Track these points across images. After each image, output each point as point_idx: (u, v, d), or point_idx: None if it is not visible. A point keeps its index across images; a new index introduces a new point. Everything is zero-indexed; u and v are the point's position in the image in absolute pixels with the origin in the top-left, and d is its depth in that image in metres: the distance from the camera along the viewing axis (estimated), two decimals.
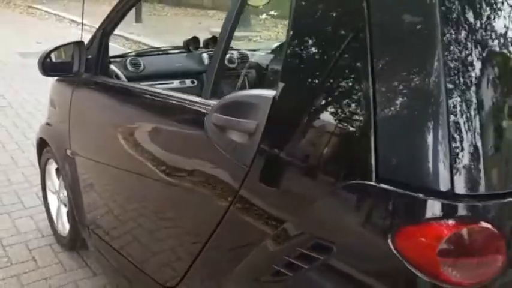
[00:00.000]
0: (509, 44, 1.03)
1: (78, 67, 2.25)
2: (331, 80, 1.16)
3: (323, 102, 1.18)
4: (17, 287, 2.56)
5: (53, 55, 2.30)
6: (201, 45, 2.94)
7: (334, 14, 1.21)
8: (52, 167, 2.89)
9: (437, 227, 0.96)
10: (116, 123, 2.12)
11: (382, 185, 1.02)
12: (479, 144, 0.97)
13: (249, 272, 1.37)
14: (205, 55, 2.82)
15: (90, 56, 2.28)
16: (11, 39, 9.71)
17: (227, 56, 2.72)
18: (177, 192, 1.73)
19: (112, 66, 2.43)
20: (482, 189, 0.96)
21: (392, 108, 1.04)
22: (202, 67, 2.69)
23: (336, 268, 1.12)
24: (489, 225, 0.96)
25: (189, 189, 1.64)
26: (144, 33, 10.47)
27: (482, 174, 0.97)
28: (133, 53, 2.80)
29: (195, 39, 2.87)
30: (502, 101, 1.01)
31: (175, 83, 2.53)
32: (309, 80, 1.22)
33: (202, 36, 3.08)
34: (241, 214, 1.40)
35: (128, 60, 2.56)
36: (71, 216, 2.68)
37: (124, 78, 2.41)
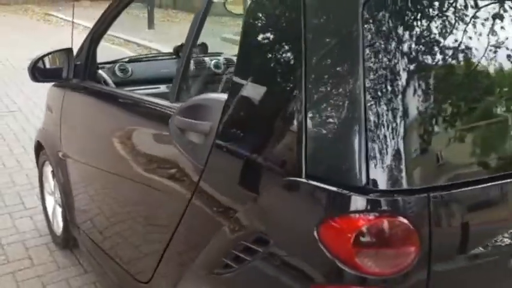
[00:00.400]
0: (425, 52, 1.10)
1: (67, 73, 2.37)
2: (270, 85, 1.25)
3: (263, 105, 1.26)
4: (12, 284, 2.68)
5: (46, 60, 2.42)
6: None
7: (275, 27, 1.30)
8: (48, 169, 3.01)
9: (353, 220, 1.04)
10: (99, 127, 2.23)
11: (310, 181, 1.09)
12: (395, 143, 1.05)
13: (204, 265, 1.46)
14: (192, 61, 2.91)
15: (79, 62, 2.39)
16: (26, 46, 9.96)
17: (213, 61, 2.83)
18: (150, 192, 1.83)
19: (101, 72, 2.54)
20: (398, 185, 1.04)
21: (320, 112, 1.12)
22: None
23: (273, 260, 1.20)
24: (402, 219, 1.03)
25: (160, 190, 1.74)
26: (156, 39, 10.63)
27: (398, 171, 1.04)
28: (126, 59, 2.90)
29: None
30: (420, 104, 1.09)
31: (162, 88, 2.62)
32: (252, 84, 1.30)
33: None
34: (198, 211, 1.49)
35: (116, 66, 2.67)
36: (63, 216, 2.80)
37: (112, 84, 2.52)
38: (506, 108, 1.18)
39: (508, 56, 1.17)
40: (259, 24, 1.36)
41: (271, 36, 1.30)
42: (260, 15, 1.36)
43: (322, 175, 1.09)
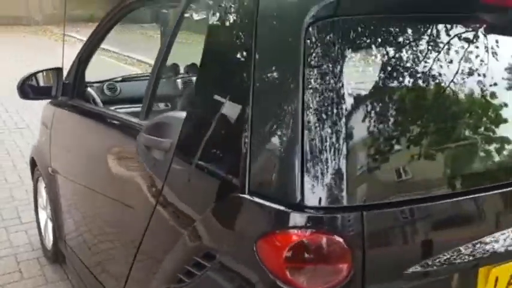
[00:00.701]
0: (362, 76, 1.16)
1: (56, 91, 2.44)
2: (222, 105, 1.29)
3: (215, 123, 1.30)
4: None
5: (40, 78, 2.51)
6: (182, 71, 3.12)
7: (228, 49, 1.35)
8: (41, 184, 3.08)
9: (286, 236, 1.06)
10: (82, 143, 2.29)
11: (253, 198, 1.12)
12: (331, 163, 1.08)
13: (163, 281, 1.48)
14: (179, 81, 2.98)
15: (67, 82, 2.47)
16: (41, 65, 10.21)
17: (188, 79, 2.92)
18: (124, 209, 1.88)
19: (90, 90, 2.62)
20: (332, 202, 1.06)
21: (264, 131, 1.15)
22: (176, 92, 2.85)
23: (219, 275, 1.23)
24: (332, 236, 1.05)
25: (131, 206, 1.80)
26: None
27: (332, 189, 1.07)
28: (118, 78, 2.98)
29: (175, 66, 3.05)
30: (356, 125, 1.11)
31: None
32: (206, 103, 1.35)
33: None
34: (158, 227, 1.53)
35: (105, 85, 2.75)
36: (53, 231, 2.85)
37: (100, 102, 2.58)
38: (438, 130, 1.21)
39: (434, 78, 1.21)
40: (216, 47, 1.41)
41: (224, 58, 1.35)
42: (217, 37, 1.41)
43: (264, 192, 1.12)
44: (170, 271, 1.43)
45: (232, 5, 1.32)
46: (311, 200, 1.06)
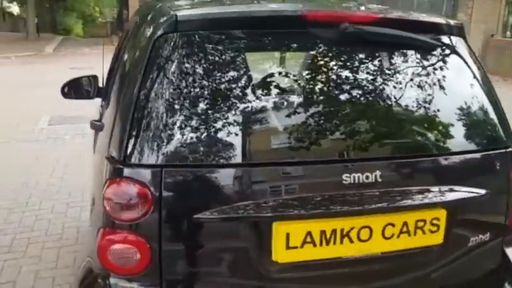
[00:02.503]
0: (185, 80, 1.56)
1: (92, 93, 2.90)
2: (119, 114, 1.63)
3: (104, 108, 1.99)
4: None
5: (80, 82, 2.96)
6: None
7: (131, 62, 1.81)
8: None
9: (113, 180, 1.49)
10: None
11: (111, 156, 1.56)
12: (146, 133, 1.48)
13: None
14: None
15: (102, 86, 2.86)
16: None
17: None
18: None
19: None
20: (144, 161, 1.46)
21: (119, 115, 1.60)
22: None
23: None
24: (142, 182, 1.45)
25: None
26: None
27: (144, 153, 1.47)
28: None
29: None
30: (171, 112, 1.51)
31: None
32: (113, 92, 1.89)
33: None
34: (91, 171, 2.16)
35: None
36: None
37: None
38: (237, 120, 1.55)
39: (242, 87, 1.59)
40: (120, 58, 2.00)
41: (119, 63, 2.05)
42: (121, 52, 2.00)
43: (114, 154, 1.53)
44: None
45: (131, 31, 1.92)
46: (133, 157, 1.47)
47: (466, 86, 1.81)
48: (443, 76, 1.78)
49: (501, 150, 1.73)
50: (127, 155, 1.47)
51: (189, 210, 1.46)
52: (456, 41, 1.83)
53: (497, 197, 1.74)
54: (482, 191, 1.65)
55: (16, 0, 29.25)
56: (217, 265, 1.55)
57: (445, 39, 1.82)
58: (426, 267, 1.68)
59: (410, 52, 1.78)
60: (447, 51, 1.81)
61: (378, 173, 1.53)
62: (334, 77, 1.68)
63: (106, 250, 1.46)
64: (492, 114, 1.77)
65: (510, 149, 1.74)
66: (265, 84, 1.62)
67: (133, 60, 1.69)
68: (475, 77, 1.82)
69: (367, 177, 1.51)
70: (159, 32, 1.59)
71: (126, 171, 1.46)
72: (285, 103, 1.61)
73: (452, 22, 1.86)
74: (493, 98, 1.80)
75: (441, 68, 1.80)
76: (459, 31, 1.85)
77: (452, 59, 1.82)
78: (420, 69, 1.77)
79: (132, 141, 1.48)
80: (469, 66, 1.82)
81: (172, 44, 1.57)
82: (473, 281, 1.81)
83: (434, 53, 1.79)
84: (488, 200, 1.68)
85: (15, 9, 30.34)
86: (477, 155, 1.73)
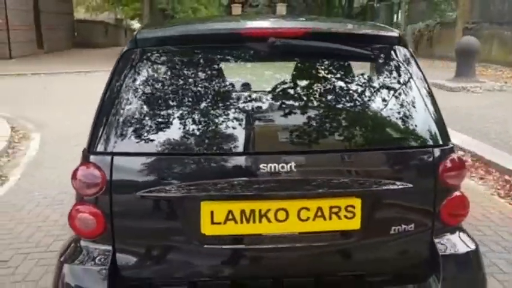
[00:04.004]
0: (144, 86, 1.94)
1: None
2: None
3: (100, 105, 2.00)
4: None
5: None
6: None
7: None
8: None
9: (82, 164, 1.87)
10: None
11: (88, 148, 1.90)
12: (106, 130, 1.83)
13: None
14: None
15: None
16: None
17: None
18: None
19: None
20: (101, 149, 1.83)
21: (98, 111, 1.91)
22: None
23: None
24: (94, 167, 1.82)
25: None
26: None
27: (102, 143, 1.83)
28: None
29: None
30: (125, 108, 1.88)
31: None
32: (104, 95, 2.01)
33: None
34: None
35: None
36: None
37: None
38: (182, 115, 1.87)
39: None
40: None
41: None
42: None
43: (89, 143, 1.88)
44: None
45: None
46: (96, 147, 1.84)
47: (395, 89, 1.98)
48: (369, 80, 2.04)
49: (428, 148, 1.88)
50: (91, 145, 1.84)
51: (133, 189, 1.79)
52: (389, 48, 2.02)
53: (423, 191, 1.88)
54: (404, 184, 1.82)
55: (136, 18, 33.99)
56: (157, 234, 1.85)
57: (376, 47, 2.04)
58: (347, 250, 1.90)
59: (336, 59, 2.06)
60: (378, 58, 2.04)
61: (292, 164, 1.77)
62: (264, 84, 2.02)
63: (74, 218, 1.86)
64: (423, 115, 1.92)
65: (439, 148, 1.88)
66: (206, 89, 1.94)
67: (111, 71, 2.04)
68: (407, 80, 1.97)
69: (282, 167, 1.76)
70: (125, 48, 2.01)
71: (91, 158, 1.84)
72: (219, 104, 1.91)
73: (383, 32, 2.08)
74: (428, 100, 1.95)
75: (373, 75, 2.07)
76: (392, 39, 2.03)
77: (383, 65, 2.03)
78: (350, 75, 2.07)
79: (95, 135, 1.85)
80: (400, 71, 1.99)
81: (133, 56, 1.96)
82: (399, 269, 1.97)
83: (363, 60, 2.10)
84: (413, 193, 1.85)
85: (137, 26, 33.84)
86: (401, 151, 1.90)
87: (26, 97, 10.55)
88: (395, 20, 22.63)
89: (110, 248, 1.85)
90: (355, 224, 1.82)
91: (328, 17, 30.20)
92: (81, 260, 1.86)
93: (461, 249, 1.95)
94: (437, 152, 1.89)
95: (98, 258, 1.85)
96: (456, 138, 6.47)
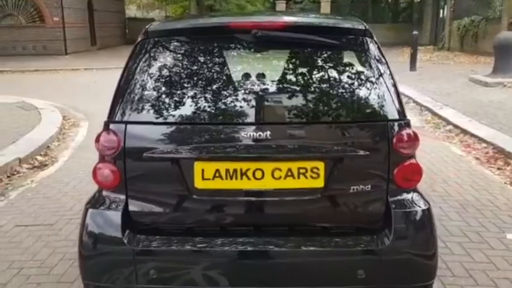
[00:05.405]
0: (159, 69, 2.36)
1: None
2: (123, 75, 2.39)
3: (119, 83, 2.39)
4: None
5: None
6: None
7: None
8: None
9: (102, 131, 2.28)
10: None
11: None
12: (125, 103, 2.27)
13: None
14: None
15: None
16: None
17: None
18: None
19: None
20: (118, 118, 2.26)
21: (118, 88, 2.35)
22: None
23: None
24: (113, 134, 2.24)
25: None
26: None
27: (118, 114, 2.26)
28: None
29: None
30: (140, 85, 2.30)
31: None
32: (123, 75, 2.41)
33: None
34: None
35: None
36: None
37: None
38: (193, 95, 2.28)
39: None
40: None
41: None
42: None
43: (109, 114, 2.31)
44: None
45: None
46: (114, 117, 2.26)
47: (360, 72, 2.31)
48: (337, 64, 2.39)
49: (384, 122, 2.21)
50: (110, 116, 2.26)
51: (141, 150, 2.19)
52: (356, 38, 2.37)
53: (379, 158, 2.20)
54: (362, 152, 2.16)
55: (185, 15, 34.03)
56: (160, 187, 2.24)
57: (345, 37, 2.40)
58: (313, 204, 2.22)
59: (309, 48, 2.42)
60: (346, 46, 2.41)
61: (268, 132, 2.14)
62: (251, 68, 2.39)
63: (97, 173, 2.26)
64: (383, 94, 2.24)
65: (394, 122, 2.21)
66: (202, 71, 2.34)
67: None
68: (371, 65, 2.31)
69: (259, 135, 2.13)
70: (139, 39, 2.40)
71: (111, 126, 2.24)
72: (209, 84, 2.30)
73: (351, 24, 2.41)
74: (389, 81, 2.27)
75: (338, 60, 2.42)
76: (359, 31, 2.37)
77: (351, 52, 2.40)
78: (319, 59, 2.41)
79: (114, 108, 2.26)
80: (365, 57, 2.32)
81: (145, 45, 2.36)
82: (358, 222, 2.30)
83: (333, 47, 2.40)
84: (370, 159, 2.18)
85: None
86: (360, 124, 2.23)
87: (78, 90, 11.37)
88: (441, 15, 22.27)
89: (123, 197, 2.25)
90: (319, 182, 2.16)
91: (374, 13, 29.81)
92: (102, 205, 2.28)
93: (412, 207, 2.25)
94: (392, 125, 2.20)
95: (114, 204, 2.26)
96: (482, 130, 6.59)
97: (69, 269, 3.17)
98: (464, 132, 6.70)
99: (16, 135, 6.41)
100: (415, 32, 13.79)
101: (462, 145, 6.28)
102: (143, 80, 2.29)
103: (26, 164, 5.43)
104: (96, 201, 2.31)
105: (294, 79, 2.37)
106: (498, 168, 5.30)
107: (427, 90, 9.84)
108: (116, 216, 2.22)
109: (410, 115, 2.43)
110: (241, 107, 2.23)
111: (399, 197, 2.24)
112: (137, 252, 2.18)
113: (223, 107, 2.24)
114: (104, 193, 2.31)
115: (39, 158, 5.73)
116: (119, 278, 2.21)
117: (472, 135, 6.49)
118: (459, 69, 13.26)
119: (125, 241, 2.18)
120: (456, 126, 7.00)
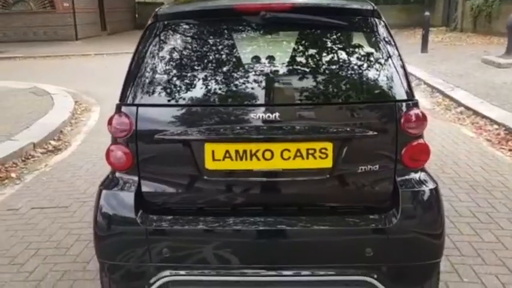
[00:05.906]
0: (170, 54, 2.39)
1: None
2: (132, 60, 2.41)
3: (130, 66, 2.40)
4: None
5: None
6: None
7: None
8: None
9: (114, 114, 2.31)
10: None
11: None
12: (137, 87, 2.29)
13: None
14: None
15: None
16: None
17: None
18: None
19: None
20: (129, 101, 2.28)
21: (129, 72, 2.37)
22: None
23: None
24: (125, 116, 2.26)
25: None
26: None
27: (134, 96, 2.29)
28: None
29: None
30: (149, 69, 2.33)
31: None
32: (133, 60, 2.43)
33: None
34: None
35: None
36: None
37: None
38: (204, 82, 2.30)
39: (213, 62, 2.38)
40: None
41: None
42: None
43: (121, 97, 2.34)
44: None
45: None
46: (125, 100, 2.29)
47: (369, 53, 2.31)
48: (346, 45, 2.39)
49: (392, 103, 2.23)
50: (122, 99, 2.30)
51: (153, 132, 2.22)
52: (364, 19, 2.38)
53: (387, 138, 2.22)
54: (370, 132, 2.18)
55: None
56: (171, 168, 2.29)
57: (354, 18, 2.40)
58: (321, 184, 2.25)
59: (318, 29, 2.44)
60: (355, 27, 2.42)
61: (277, 114, 2.16)
62: (260, 50, 2.44)
63: (110, 155, 2.30)
64: (391, 74, 2.26)
65: (402, 102, 2.22)
66: (211, 53, 2.38)
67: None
68: (379, 46, 2.31)
69: (268, 117, 2.16)
70: (149, 22, 2.43)
71: (122, 108, 2.27)
72: (219, 66, 2.34)
73: (359, 5, 2.40)
74: (397, 62, 2.28)
75: (347, 41, 2.43)
76: (367, 11, 2.37)
77: (359, 33, 2.41)
78: (328, 41, 2.42)
79: (125, 91, 2.29)
80: (374, 38, 2.33)
81: (155, 29, 2.39)
82: (366, 202, 2.32)
83: (341, 29, 2.42)
84: (378, 139, 2.20)
85: None
86: (368, 104, 2.24)
87: (89, 75, 11.44)
88: None
89: (136, 178, 2.28)
90: (327, 163, 2.19)
91: None
92: (115, 187, 2.33)
93: (420, 187, 2.27)
94: (400, 105, 2.21)
95: (127, 185, 2.30)
96: (494, 112, 6.56)
97: (85, 250, 3.26)
98: (476, 113, 6.66)
99: (29, 120, 6.51)
100: (426, 13, 13.60)
101: (473, 127, 6.26)
102: (153, 63, 2.32)
103: (40, 149, 5.53)
104: (109, 183, 2.35)
105: (302, 60, 2.41)
106: (510, 150, 5.30)
107: (438, 72, 9.76)
108: (129, 197, 2.27)
109: (420, 97, 2.44)
110: (250, 88, 2.25)
111: (407, 177, 2.26)
112: (150, 232, 2.23)
113: (232, 88, 2.28)
114: (117, 174, 2.35)
115: (52, 142, 5.83)
116: (133, 256, 2.27)
117: (484, 116, 6.46)
118: (471, 50, 13.11)
119: (138, 221, 2.23)
120: (467, 108, 6.96)
